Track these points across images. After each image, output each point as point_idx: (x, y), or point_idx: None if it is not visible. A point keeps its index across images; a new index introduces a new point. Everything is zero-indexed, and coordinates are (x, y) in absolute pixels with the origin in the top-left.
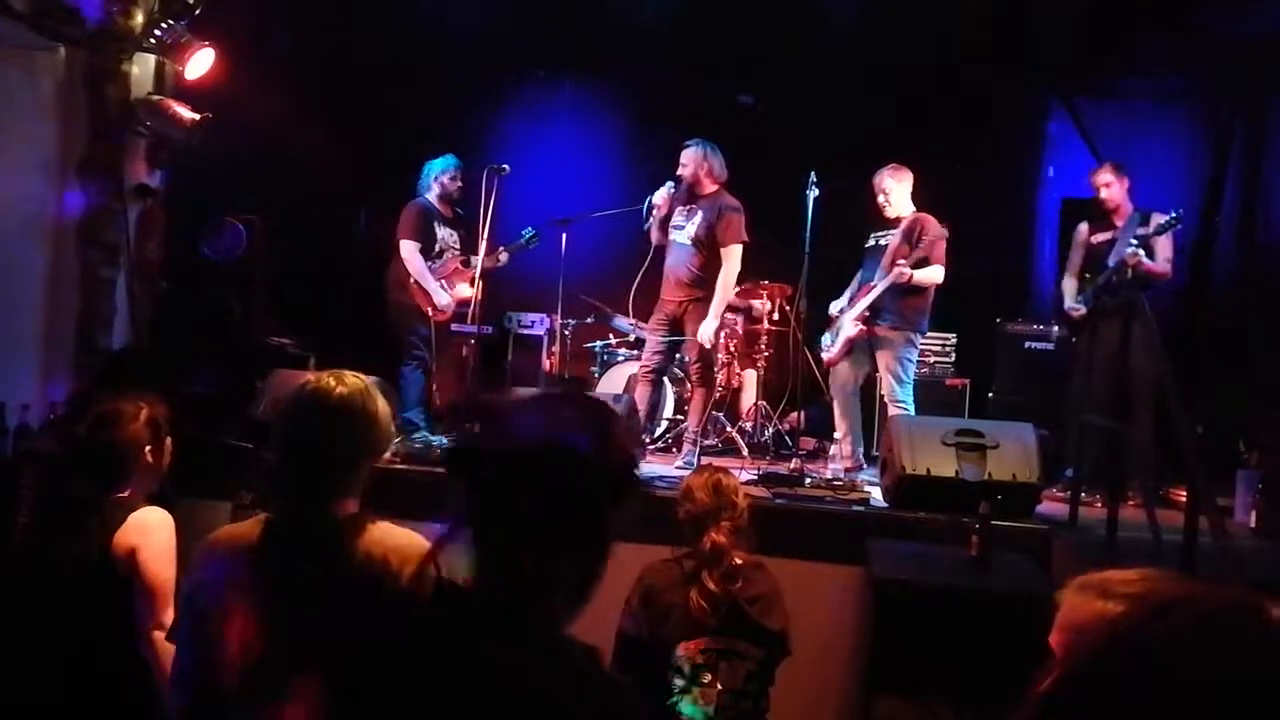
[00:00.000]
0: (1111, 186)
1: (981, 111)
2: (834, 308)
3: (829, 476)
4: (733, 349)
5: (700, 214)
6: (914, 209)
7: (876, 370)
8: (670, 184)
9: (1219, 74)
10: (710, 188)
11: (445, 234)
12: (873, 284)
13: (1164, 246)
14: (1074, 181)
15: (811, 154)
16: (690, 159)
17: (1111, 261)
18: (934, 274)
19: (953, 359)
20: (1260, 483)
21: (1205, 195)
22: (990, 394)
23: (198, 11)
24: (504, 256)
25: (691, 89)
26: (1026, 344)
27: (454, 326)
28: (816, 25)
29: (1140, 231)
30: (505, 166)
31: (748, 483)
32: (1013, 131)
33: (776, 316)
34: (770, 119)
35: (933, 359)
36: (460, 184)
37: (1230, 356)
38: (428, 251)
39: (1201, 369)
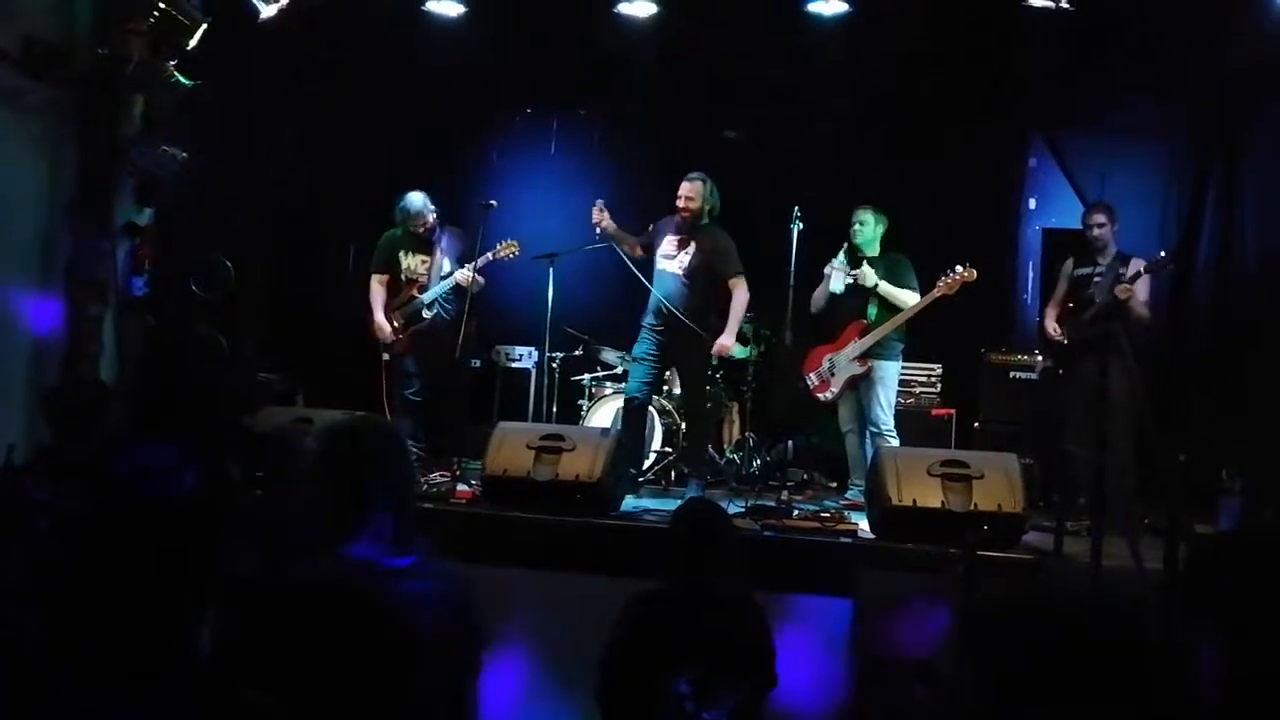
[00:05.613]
0: (1105, 227)
1: (963, 145)
2: (828, 361)
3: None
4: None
5: (694, 246)
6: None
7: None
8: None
9: (1197, 109)
10: (706, 222)
11: (413, 262)
12: (866, 321)
13: (1141, 290)
14: (1054, 213)
15: (795, 188)
16: (694, 192)
17: (1099, 297)
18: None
19: (938, 389)
20: (1241, 510)
21: (1183, 228)
22: (976, 424)
23: (189, 50)
24: (480, 280)
25: (677, 124)
26: (1011, 374)
27: None
28: (800, 60)
29: (1122, 271)
30: (493, 202)
31: (735, 515)
32: (994, 164)
33: (762, 349)
34: (755, 154)
35: (918, 390)
36: (424, 223)
37: (1210, 386)
38: (395, 282)
39: (1183, 399)
